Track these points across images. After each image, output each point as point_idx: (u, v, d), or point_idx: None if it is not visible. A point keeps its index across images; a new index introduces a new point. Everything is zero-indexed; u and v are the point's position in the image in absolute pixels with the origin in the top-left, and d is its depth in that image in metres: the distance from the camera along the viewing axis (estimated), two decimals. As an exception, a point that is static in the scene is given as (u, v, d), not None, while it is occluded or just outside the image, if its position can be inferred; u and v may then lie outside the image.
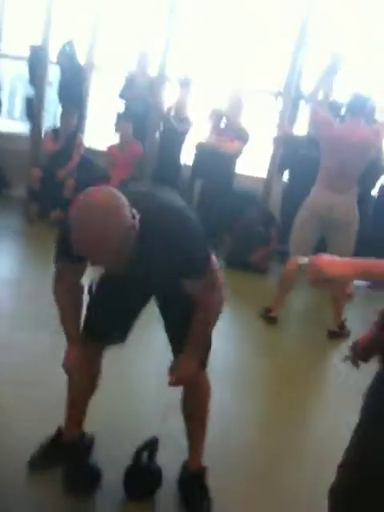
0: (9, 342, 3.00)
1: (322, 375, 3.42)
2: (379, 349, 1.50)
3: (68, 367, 1.88)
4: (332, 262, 1.38)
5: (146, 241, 1.54)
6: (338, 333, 3.70)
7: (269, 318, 3.83)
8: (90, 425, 2.12)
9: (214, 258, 1.74)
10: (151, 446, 2.04)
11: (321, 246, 3.58)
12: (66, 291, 1.83)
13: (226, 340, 3.46)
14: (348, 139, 3.58)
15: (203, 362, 1.92)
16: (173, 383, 1.81)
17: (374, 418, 1.41)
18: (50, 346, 2.99)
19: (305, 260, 1.45)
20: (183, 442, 2.06)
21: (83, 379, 1.98)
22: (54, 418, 2.14)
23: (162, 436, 2.10)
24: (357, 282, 4.14)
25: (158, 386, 2.54)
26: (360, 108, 3.69)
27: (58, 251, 1.74)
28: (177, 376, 1.80)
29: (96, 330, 1.94)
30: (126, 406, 2.54)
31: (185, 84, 5.94)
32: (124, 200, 1.47)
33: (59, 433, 2.09)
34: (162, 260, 1.59)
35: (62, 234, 1.65)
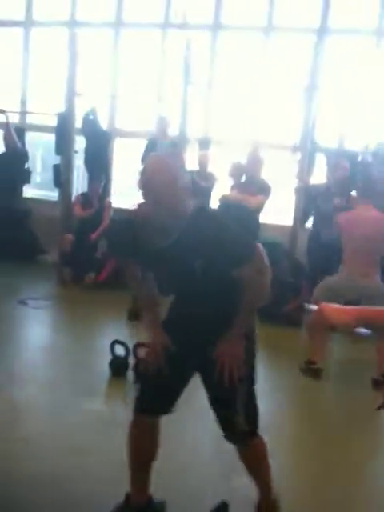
0: (55, 410, 3.06)
1: (369, 426, 3.33)
2: None
3: (155, 352, 2.02)
4: (336, 310, 1.48)
5: (197, 232, 1.80)
6: (383, 381, 3.61)
7: (312, 370, 3.73)
8: (154, 488, 2.16)
9: (260, 245, 1.91)
10: (223, 510, 2.11)
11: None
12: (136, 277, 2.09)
13: (265, 395, 3.44)
14: (363, 223, 3.92)
15: (253, 431, 2.02)
16: (220, 360, 1.91)
17: None
18: (96, 412, 3.10)
19: (313, 307, 1.55)
20: (249, 500, 2.11)
21: (145, 446, 2.09)
22: (112, 486, 2.20)
23: (227, 496, 2.17)
24: (360, 330, 4.09)
25: (216, 447, 2.59)
26: (371, 190, 3.99)
27: (111, 249, 2.17)
28: (221, 349, 1.91)
29: (148, 405, 2.06)
30: (187, 469, 2.58)
31: (204, 143, 6.22)
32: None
33: (127, 499, 2.13)
34: (213, 249, 1.79)
35: (113, 232, 2.07)
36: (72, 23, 6.76)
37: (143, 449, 2.10)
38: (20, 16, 6.95)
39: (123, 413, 3.09)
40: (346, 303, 3.79)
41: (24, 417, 2.95)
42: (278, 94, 6.06)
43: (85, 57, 6.07)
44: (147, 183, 1.83)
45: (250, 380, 2.01)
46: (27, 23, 6.96)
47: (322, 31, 5.95)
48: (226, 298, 1.93)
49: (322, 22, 6.00)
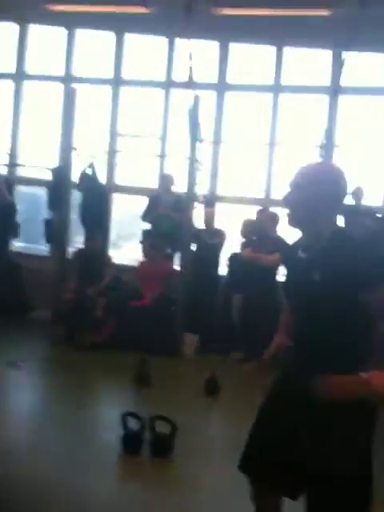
0: (60, 490, 2.51)
1: None
2: None
3: None
4: None
5: (332, 249, 1.62)
6: None
7: None
8: None
9: None
10: None
11: None
12: None
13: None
14: None
15: None
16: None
17: None
18: (108, 495, 2.55)
19: None
20: None
21: None
22: None
23: None
24: None
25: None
26: None
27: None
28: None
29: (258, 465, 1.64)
30: None
31: (210, 200, 5.97)
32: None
33: None
34: (340, 266, 1.57)
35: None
36: (68, 78, 6.63)
37: None
38: (11, 68, 6.79)
39: (141, 497, 2.60)
40: None
41: (28, 498, 2.38)
42: (289, 151, 5.91)
43: (80, 111, 5.89)
44: (299, 184, 1.65)
45: (364, 482, 1.54)
46: (18, 76, 6.80)
47: (334, 91, 5.79)
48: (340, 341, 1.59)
49: (332, 82, 5.86)
